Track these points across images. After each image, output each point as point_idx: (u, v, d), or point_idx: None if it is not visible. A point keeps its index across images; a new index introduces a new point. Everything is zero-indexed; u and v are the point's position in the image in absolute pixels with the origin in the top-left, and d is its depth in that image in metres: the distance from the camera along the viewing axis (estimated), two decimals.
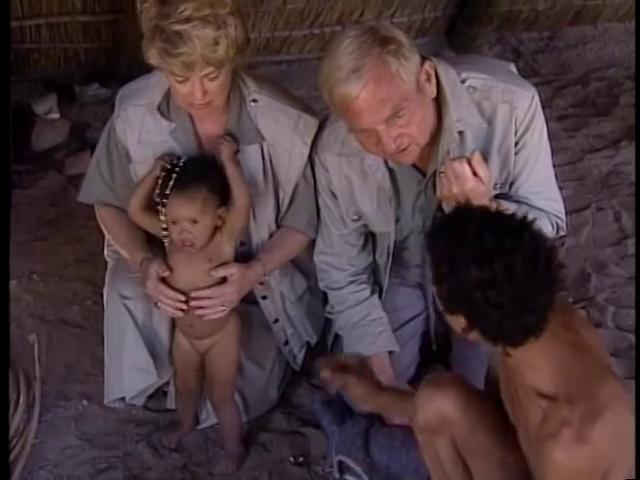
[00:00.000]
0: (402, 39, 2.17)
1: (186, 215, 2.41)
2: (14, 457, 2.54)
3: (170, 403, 2.81)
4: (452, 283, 1.85)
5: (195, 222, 2.42)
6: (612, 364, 2.05)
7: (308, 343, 2.89)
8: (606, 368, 1.95)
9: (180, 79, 2.34)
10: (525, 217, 1.87)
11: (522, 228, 1.85)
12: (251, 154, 2.54)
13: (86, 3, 3.79)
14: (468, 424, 2.12)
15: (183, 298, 2.48)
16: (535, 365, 1.91)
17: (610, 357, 2.10)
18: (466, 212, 1.92)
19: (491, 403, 2.17)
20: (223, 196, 2.47)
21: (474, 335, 1.90)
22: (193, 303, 2.48)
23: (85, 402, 2.88)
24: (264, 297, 2.75)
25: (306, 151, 2.55)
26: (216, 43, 2.27)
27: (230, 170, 2.46)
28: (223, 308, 2.51)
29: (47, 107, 3.92)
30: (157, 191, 2.47)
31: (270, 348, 2.84)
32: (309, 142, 2.54)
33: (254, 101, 2.51)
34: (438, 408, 2.13)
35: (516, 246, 1.81)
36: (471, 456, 2.16)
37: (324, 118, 2.55)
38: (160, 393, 2.83)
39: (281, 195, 2.61)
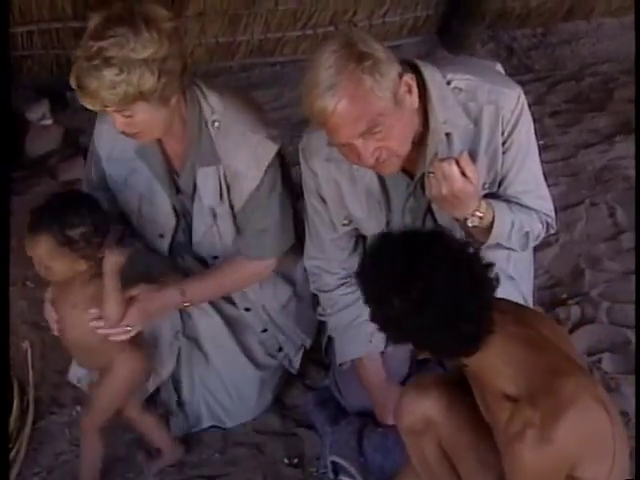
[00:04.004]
0: (379, 54, 2.17)
1: (34, 259, 2.37)
2: None
3: None
4: (383, 318, 1.89)
5: (47, 267, 2.37)
6: (579, 356, 2.05)
7: (303, 345, 2.89)
8: (568, 361, 1.96)
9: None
10: (434, 230, 1.91)
11: (432, 241, 1.87)
12: (208, 175, 2.53)
13: (76, 8, 3.78)
14: (452, 425, 2.14)
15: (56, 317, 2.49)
16: (494, 368, 1.93)
17: (576, 350, 2.11)
18: (379, 242, 1.94)
19: (475, 403, 2.17)
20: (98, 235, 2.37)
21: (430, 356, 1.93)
22: (93, 324, 2.43)
23: (79, 408, 2.87)
24: (247, 309, 2.75)
25: (259, 175, 2.52)
26: (113, 87, 2.23)
27: (107, 283, 2.39)
28: (128, 329, 2.45)
29: (40, 113, 3.90)
30: None
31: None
32: (264, 168, 2.52)
33: (215, 122, 2.49)
34: (422, 411, 2.16)
35: (430, 264, 1.82)
36: (457, 455, 2.18)
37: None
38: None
39: (238, 217, 2.60)
